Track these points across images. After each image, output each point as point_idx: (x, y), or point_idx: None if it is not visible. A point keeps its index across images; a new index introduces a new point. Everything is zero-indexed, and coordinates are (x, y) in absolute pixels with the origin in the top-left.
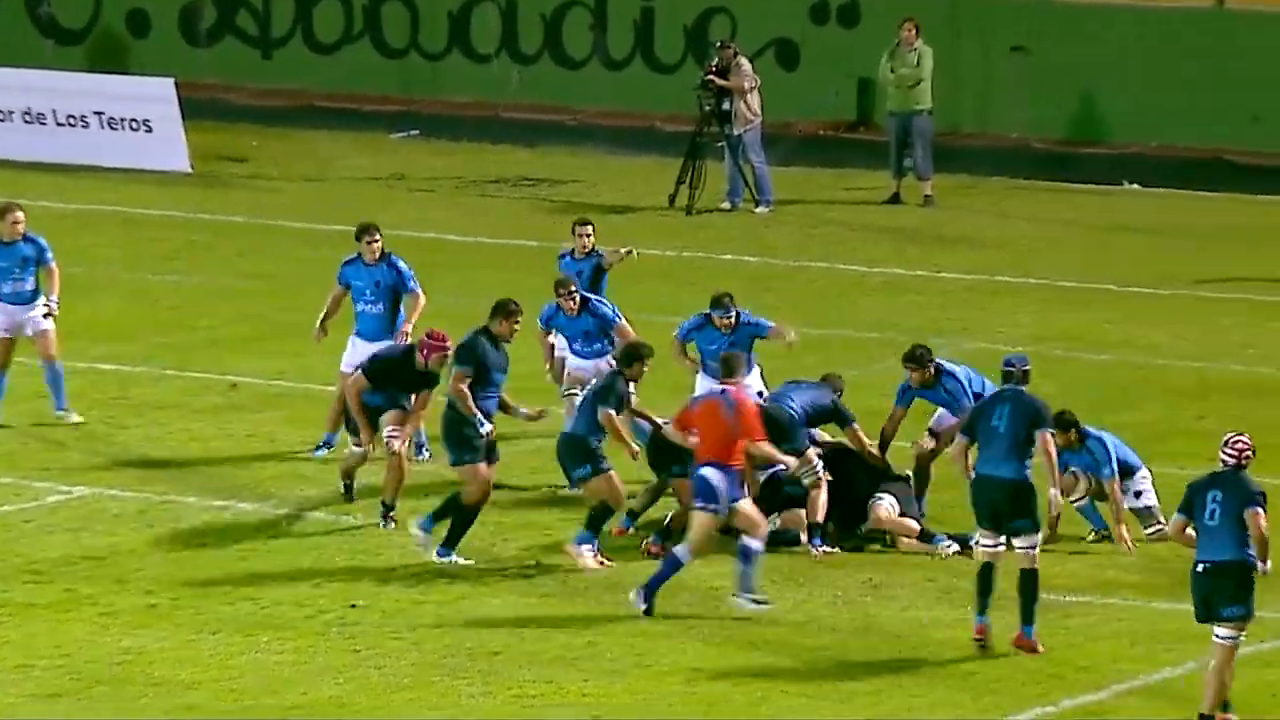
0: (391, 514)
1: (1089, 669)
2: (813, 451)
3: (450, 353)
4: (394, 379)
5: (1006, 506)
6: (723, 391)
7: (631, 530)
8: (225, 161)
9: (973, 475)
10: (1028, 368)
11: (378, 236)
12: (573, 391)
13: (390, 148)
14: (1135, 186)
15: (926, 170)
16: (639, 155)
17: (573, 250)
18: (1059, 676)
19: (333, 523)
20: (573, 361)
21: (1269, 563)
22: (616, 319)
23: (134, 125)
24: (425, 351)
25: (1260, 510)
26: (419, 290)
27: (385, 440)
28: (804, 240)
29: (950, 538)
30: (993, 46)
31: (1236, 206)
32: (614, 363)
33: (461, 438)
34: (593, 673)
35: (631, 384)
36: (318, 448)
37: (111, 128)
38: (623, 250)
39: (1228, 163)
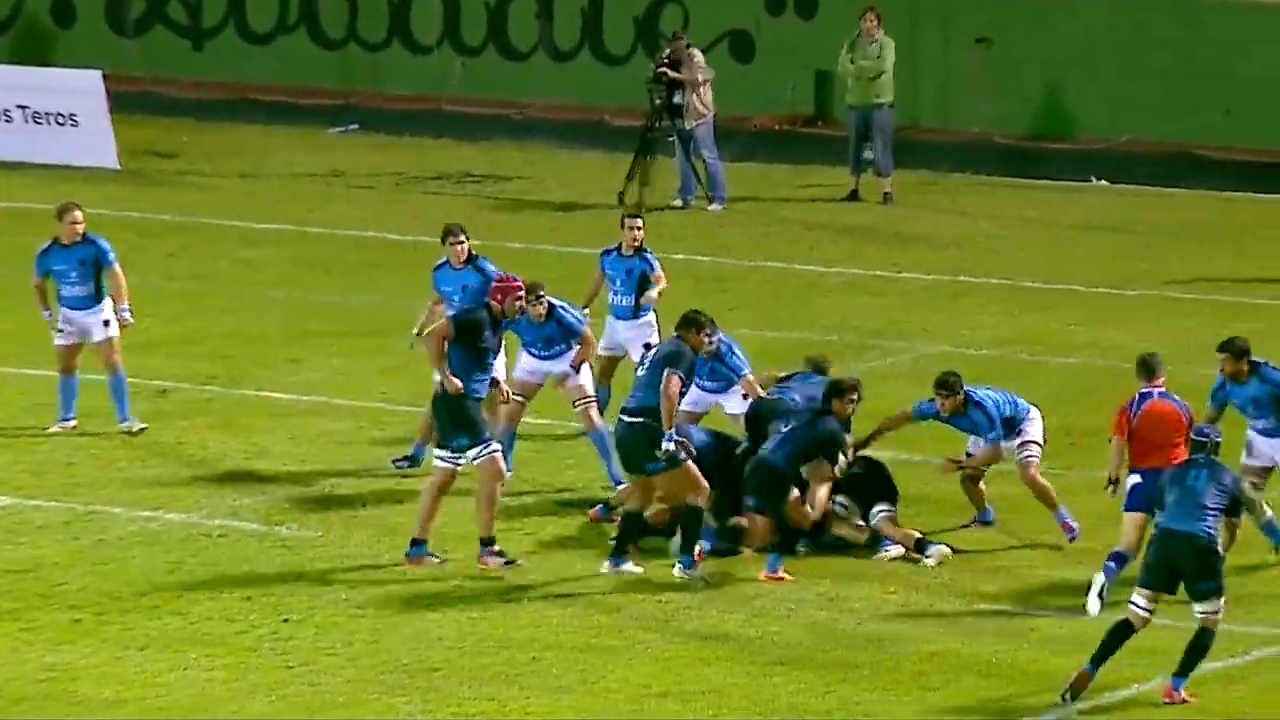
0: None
1: (1053, 684)
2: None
3: (523, 293)
4: (474, 331)
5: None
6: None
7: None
8: (155, 157)
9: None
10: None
11: (463, 238)
12: (519, 399)
13: (328, 143)
14: (1103, 183)
15: (886, 166)
16: (587, 150)
17: (619, 246)
18: (1029, 692)
19: (266, 533)
20: (526, 364)
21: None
22: (582, 326)
23: (59, 119)
24: (500, 296)
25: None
26: None
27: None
28: (759, 239)
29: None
30: (955, 38)
31: (1207, 203)
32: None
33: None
34: (536, 690)
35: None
36: (403, 459)
37: (36, 122)
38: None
39: (1198, 158)
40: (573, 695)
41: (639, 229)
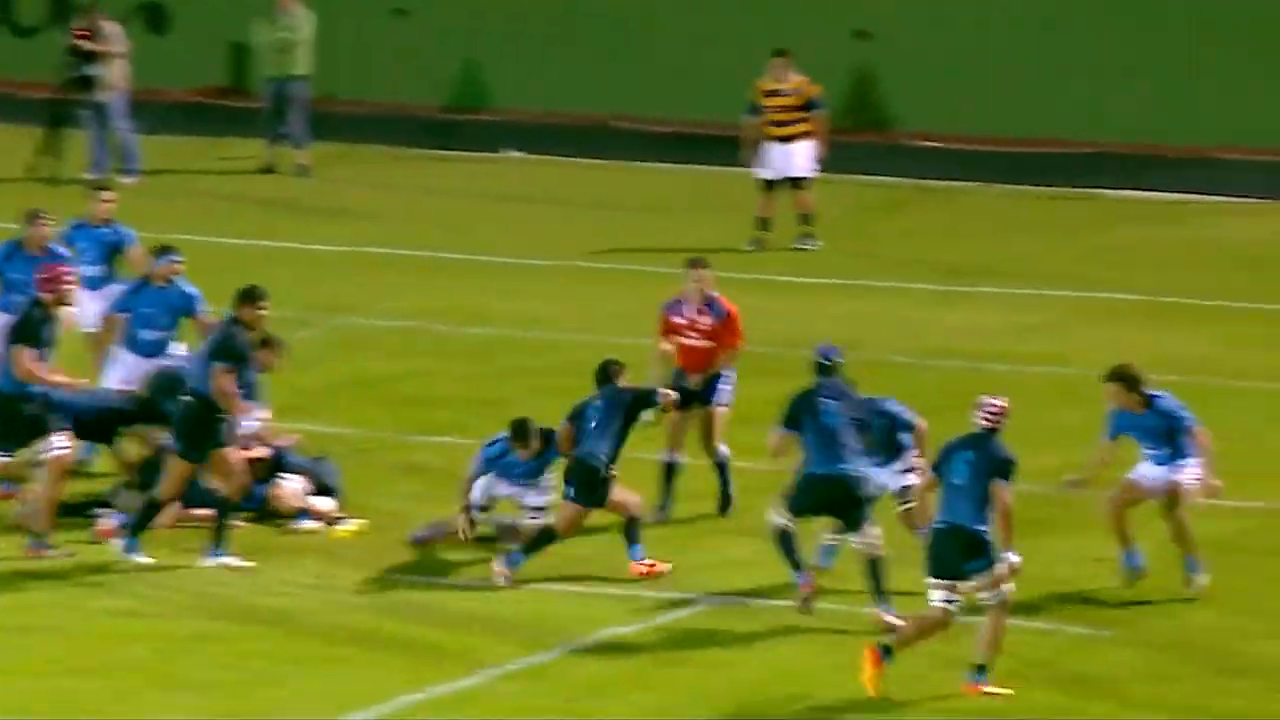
0: None
1: (463, 655)
2: None
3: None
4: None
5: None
6: None
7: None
8: None
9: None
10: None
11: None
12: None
13: None
14: (520, 154)
15: (303, 138)
16: None
17: (88, 217)
18: (432, 662)
19: None
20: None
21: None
22: None
23: None
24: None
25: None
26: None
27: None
28: (173, 212)
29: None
30: (372, 9)
31: (624, 174)
32: None
33: None
34: None
35: None
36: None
37: None
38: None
39: (615, 129)
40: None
41: (109, 200)
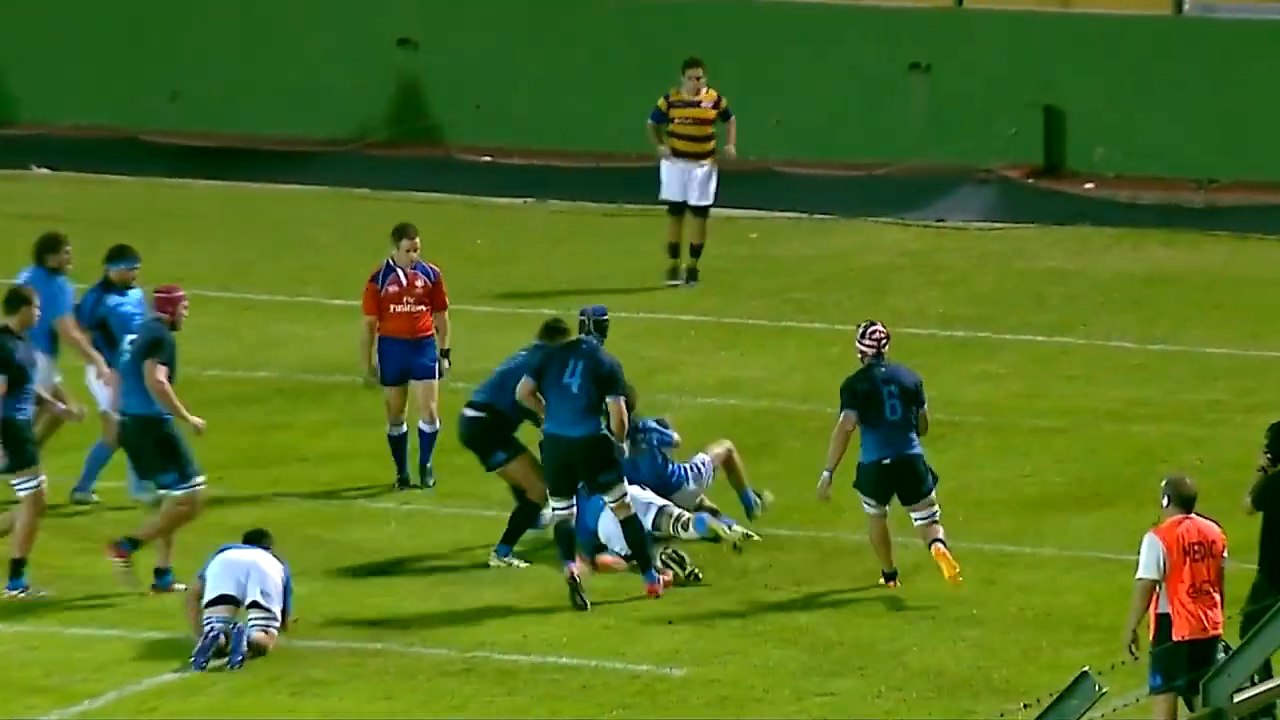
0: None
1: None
2: None
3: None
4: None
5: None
6: None
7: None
8: None
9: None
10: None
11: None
12: None
13: None
14: (44, 170)
15: None
16: None
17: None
18: None
19: None
20: None
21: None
22: None
23: None
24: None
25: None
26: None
27: None
28: None
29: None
30: None
31: (157, 190)
32: None
33: None
34: None
35: None
36: None
37: None
38: None
39: (146, 143)
40: None
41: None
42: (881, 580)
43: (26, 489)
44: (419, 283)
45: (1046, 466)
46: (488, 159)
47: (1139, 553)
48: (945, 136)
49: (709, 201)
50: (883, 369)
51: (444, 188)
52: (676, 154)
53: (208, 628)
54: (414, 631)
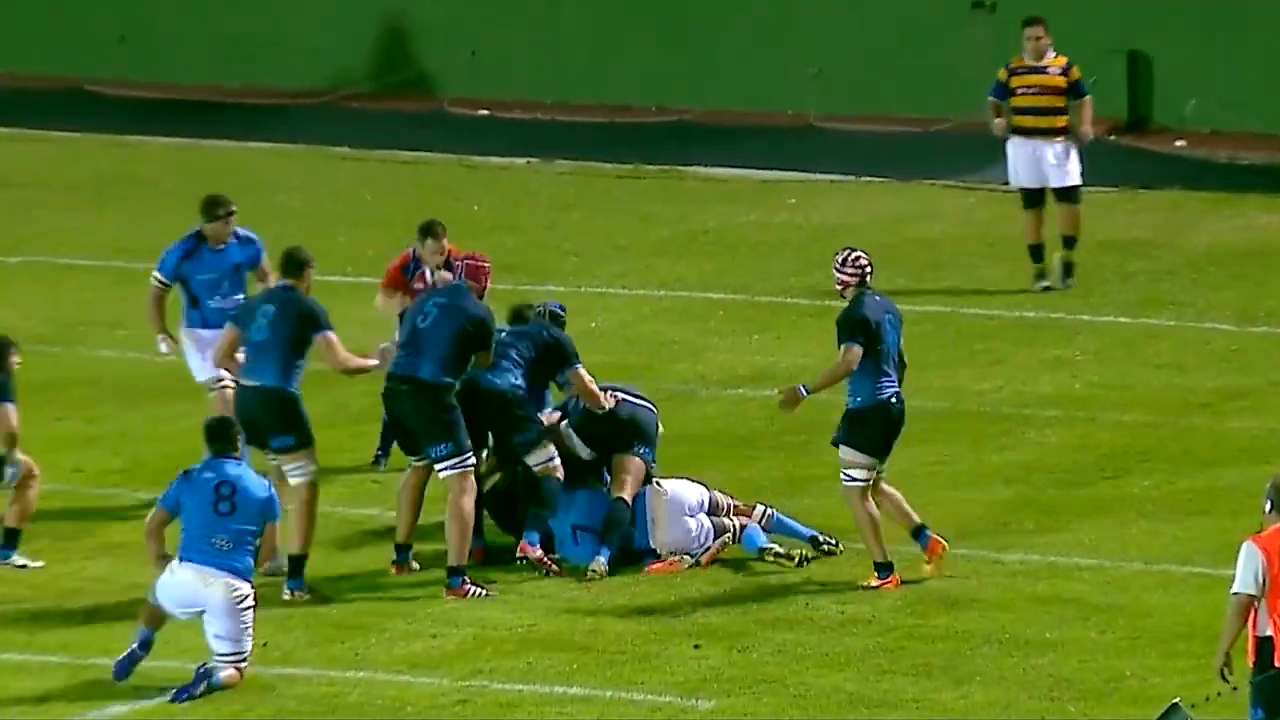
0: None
1: None
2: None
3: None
4: None
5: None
6: None
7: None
8: None
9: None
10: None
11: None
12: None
13: None
14: None
15: None
16: None
17: None
18: None
19: None
20: None
21: None
22: None
23: None
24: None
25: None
26: None
27: None
28: None
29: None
30: None
31: (99, 149)
32: None
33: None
34: None
35: None
36: None
37: None
38: None
39: (88, 95)
40: None
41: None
42: (873, 581)
43: None
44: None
45: (1130, 467)
46: (484, 113)
47: (1235, 565)
48: None
49: (1075, 181)
50: (877, 297)
51: (435, 146)
52: (1021, 132)
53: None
54: (401, 657)
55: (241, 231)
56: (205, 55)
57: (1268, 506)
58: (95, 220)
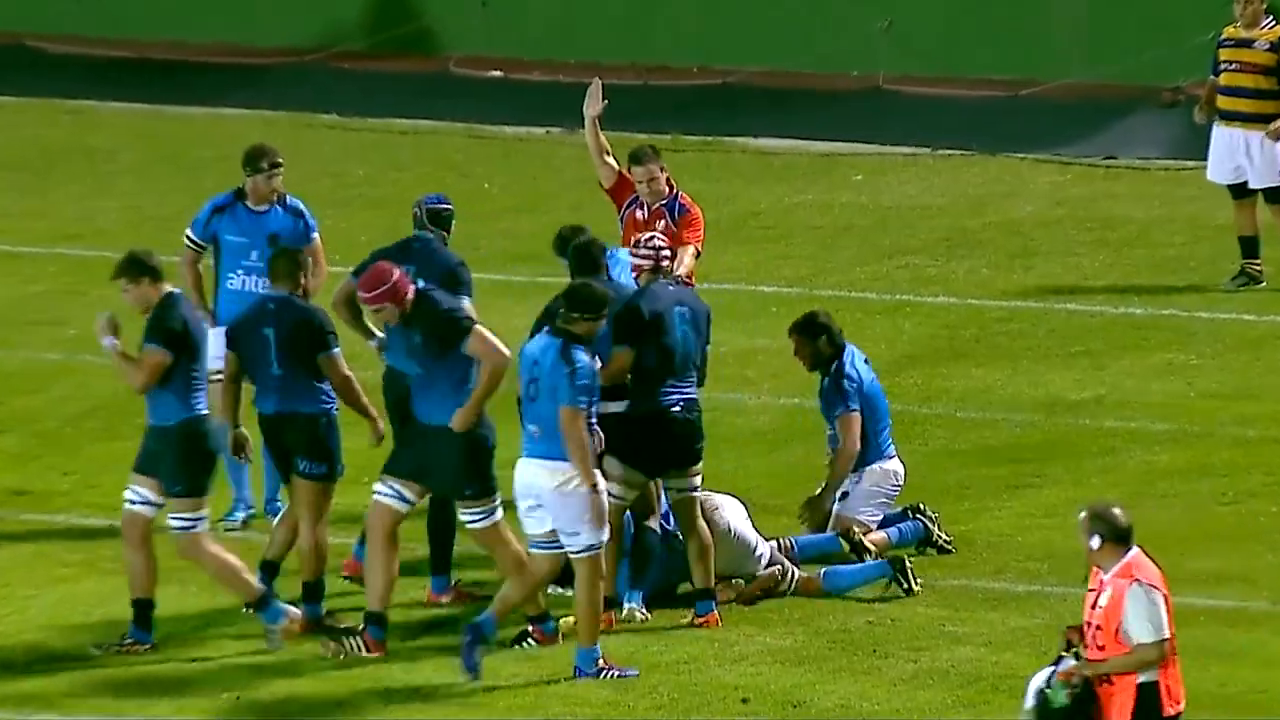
0: None
1: None
2: None
3: None
4: None
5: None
6: None
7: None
8: None
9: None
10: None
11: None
12: None
13: None
14: None
15: None
16: None
17: None
18: None
19: None
20: None
21: None
22: None
23: None
24: None
25: None
26: None
27: None
28: None
29: None
30: None
31: (49, 115)
32: None
33: None
34: None
35: None
36: None
37: None
38: None
39: (37, 53)
40: None
41: None
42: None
43: None
44: (661, 221)
45: (1256, 490)
46: (498, 74)
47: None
48: (1112, 46)
49: (1276, 182)
50: (670, 287)
51: (440, 113)
52: (1222, 116)
53: None
54: (395, 704)
55: (292, 200)
56: (169, 7)
57: (1096, 541)
58: (40, 201)
